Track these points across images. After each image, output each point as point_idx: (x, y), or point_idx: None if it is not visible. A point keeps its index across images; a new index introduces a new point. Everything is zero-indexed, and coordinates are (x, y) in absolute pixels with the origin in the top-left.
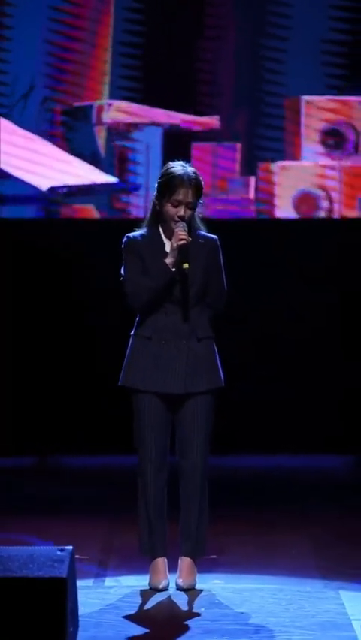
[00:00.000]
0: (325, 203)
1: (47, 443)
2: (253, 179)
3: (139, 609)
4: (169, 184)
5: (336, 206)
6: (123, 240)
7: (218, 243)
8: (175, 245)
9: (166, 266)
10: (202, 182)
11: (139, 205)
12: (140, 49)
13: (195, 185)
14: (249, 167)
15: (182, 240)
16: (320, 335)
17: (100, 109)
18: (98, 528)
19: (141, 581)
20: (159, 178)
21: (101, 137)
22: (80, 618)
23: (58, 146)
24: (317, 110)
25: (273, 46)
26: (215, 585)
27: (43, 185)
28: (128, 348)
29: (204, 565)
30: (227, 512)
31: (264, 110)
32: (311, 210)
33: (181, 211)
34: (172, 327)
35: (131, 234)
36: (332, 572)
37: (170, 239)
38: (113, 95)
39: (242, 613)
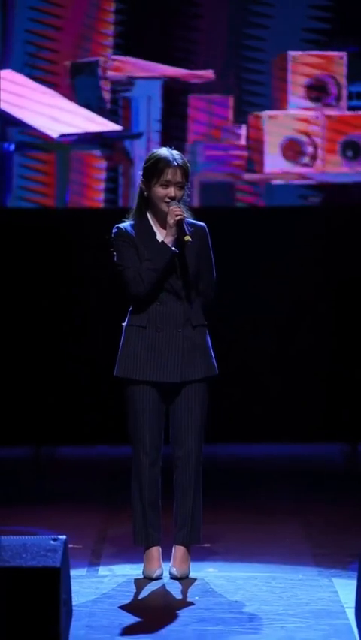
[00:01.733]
0: (309, 149)
1: (42, 433)
2: (244, 128)
3: (133, 598)
4: (157, 166)
5: (320, 152)
6: (113, 231)
7: (207, 230)
8: (172, 222)
9: (165, 245)
10: (188, 165)
11: (141, 150)
12: (142, 11)
13: (182, 165)
14: (240, 117)
15: (178, 215)
16: (314, 323)
17: (105, 64)
18: (92, 518)
19: (135, 570)
20: (145, 163)
21: (106, 89)
22: (73, 607)
23: (67, 98)
24: (301, 65)
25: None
26: (209, 573)
27: (55, 132)
28: (122, 338)
29: (198, 553)
30: (221, 501)
31: (254, 65)
32: (297, 156)
33: (172, 192)
34: (167, 316)
35: (120, 225)
36: (326, 559)
37: (162, 226)
38: (116, 51)
39: (236, 601)
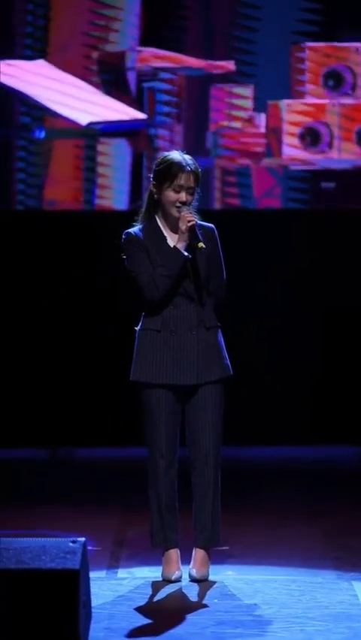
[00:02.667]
0: (326, 137)
1: (60, 435)
2: (263, 116)
3: (151, 600)
4: (170, 170)
5: (336, 140)
6: (123, 237)
7: (215, 231)
8: (184, 227)
9: (178, 250)
10: (200, 170)
11: (165, 137)
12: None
13: (194, 170)
14: (260, 106)
15: (190, 221)
16: (322, 326)
17: (132, 55)
18: (111, 520)
19: (154, 573)
20: (156, 166)
21: (131, 80)
22: (92, 610)
23: (95, 88)
24: (318, 55)
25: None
26: (227, 576)
27: (83, 120)
28: (136, 343)
29: (217, 556)
30: (239, 503)
31: (274, 55)
32: (315, 142)
33: (183, 197)
34: (181, 319)
35: (130, 230)
36: (345, 563)
37: (171, 229)
38: (142, 43)
39: (255, 604)
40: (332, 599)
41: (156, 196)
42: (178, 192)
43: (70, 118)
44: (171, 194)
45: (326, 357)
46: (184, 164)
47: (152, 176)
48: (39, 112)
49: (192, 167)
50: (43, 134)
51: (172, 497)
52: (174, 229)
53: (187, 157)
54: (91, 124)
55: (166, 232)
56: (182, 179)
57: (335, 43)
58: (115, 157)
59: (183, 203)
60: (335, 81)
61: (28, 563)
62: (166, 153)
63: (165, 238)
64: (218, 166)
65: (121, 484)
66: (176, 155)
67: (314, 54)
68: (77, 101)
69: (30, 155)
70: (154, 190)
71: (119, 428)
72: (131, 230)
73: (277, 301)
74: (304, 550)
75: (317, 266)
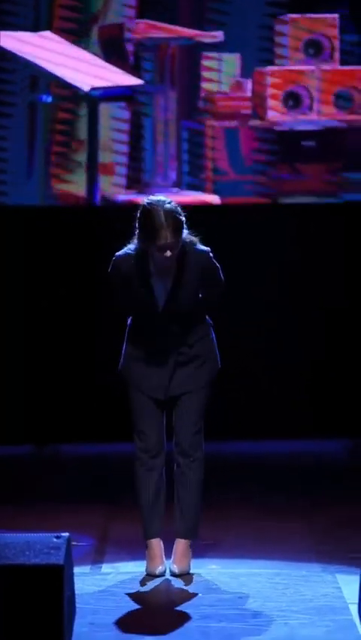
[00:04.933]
0: (307, 100)
1: (44, 432)
2: (249, 82)
3: (136, 595)
4: (150, 231)
5: (316, 103)
6: (112, 260)
7: (210, 254)
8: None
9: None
10: (182, 217)
11: (159, 102)
12: None
13: (174, 226)
14: (246, 73)
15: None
16: (313, 319)
17: (129, 26)
18: (96, 515)
19: (138, 567)
20: (139, 216)
21: (129, 49)
22: (77, 605)
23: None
24: (298, 26)
25: None
26: (212, 570)
27: (85, 85)
28: (126, 333)
29: (201, 550)
30: (223, 497)
31: (258, 27)
32: (296, 105)
33: (168, 253)
34: (159, 339)
35: (119, 253)
36: (329, 556)
37: (155, 264)
38: (139, 16)
39: (239, 598)
40: (316, 593)
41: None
42: (162, 250)
43: (73, 83)
44: (155, 253)
45: (316, 351)
46: (163, 222)
47: (137, 224)
48: (43, 78)
49: (171, 223)
50: (50, 99)
51: (158, 489)
52: (158, 267)
53: (168, 207)
54: (93, 89)
55: (152, 266)
56: (161, 240)
57: (314, 15)
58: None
59: (168, 259)
60: (314, 49)
61: (12, 559)
62: (149, 201)
63: (150, 274)
64: (208, 127)
65: (106, 481)
66: (156, 209)
67: (295, 25)
68: (80, 66)
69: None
70: (139, 237)
71: (104, 424)
72: (120, 253)
73: (271, 296)
74: (289, 544)
75: (309, 261)
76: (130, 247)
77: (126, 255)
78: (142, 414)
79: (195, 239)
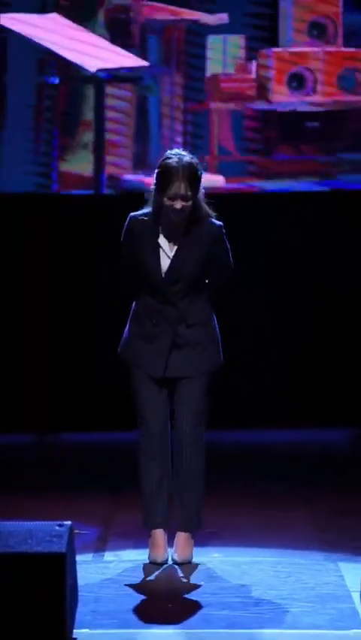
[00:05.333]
0: (311, 82)
1: (46, 420)
2: (254, 63)
3: (139, 583)
4: (165, 178)
5: (319, 85)
6: (127, 219)
7: (223, 229)
8: None
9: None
10: (199, 171)
11: (164, 83)
12: None
13: (188, 176)
14: (251, 54)
15: None
16: (316, 307)
17: (135, 8)
18: (98, 503)
19: (141, 555)
20: (157, 167)
21: (135, 32)
22: (79, 593)
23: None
24: (304, 7)
25: None
26: (214, 558)
27: (92, 67)
28: (129, 317)
29: (203, 538)
30: (226, 486)
31: (263, 9)
32: (300, 87)
33: (177, 204)
34: (162, 314)
35: (134, 213)
36: (331, 544)
37: (164, 223)
38: None
39: (242, 586)
40: (318, 581)
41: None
42: (173, 200)
43: (80, 64)
44: (166, 201)
45: (316, 340)
46: (179, 170)
47: (154, 175)
48: (51, 59)
49: (187, 174)
50: (57, 81)
51: (161, 477)
52: (168, 228)
53: (186, 159)
54: (99, 70)
55: (161, 229)
56: (174, 188)
57: None
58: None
59: (179, 211)
60: (318, 31)
61: (15, 547)
62: (168, 154)
63: (158, 235)
64: (213, 108)
65: (108, 469)
66: (174, 159)
67: (299, 7)
68: (87, 48)
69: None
70: (155, 192)
71: (106, 412)
72: (135, 213)
73: (270, 283)
74: (291, 532)
75: (306, 248)
76: (146, 208)
77: (141, 214)
78: (144, 401)
79: (211, 212)
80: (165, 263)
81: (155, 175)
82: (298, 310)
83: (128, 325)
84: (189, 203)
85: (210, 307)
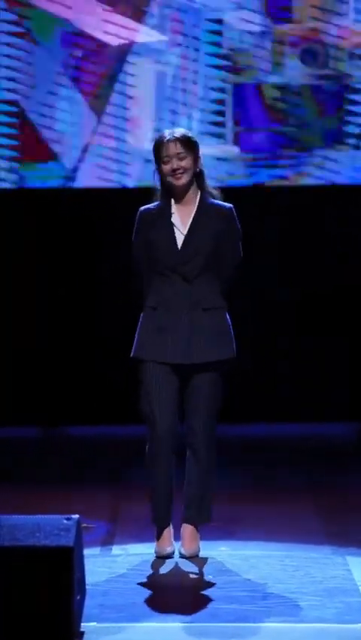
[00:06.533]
0: (322, 57)
1: (53, 413)
2: (268, 38)
3: (146, 577)
4: (156, 145)
5: (331, 60)
6: (138, 212)
7: (233, 211)
8: None
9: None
10: (193, 139)
11: (181, 57)
12: None
13: (179, 138)
14: (267, 31)
15: None
16: (322, 302)
17: None
18: (106, 497)
19: (148, 549)
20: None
21: (153, 5)
22: (87, 586)
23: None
24: None
25: None
26: (222, 552)
27: (113, 40)
28: (140, 318)
29: (211, 532)
30: (234, 480)
31: None
32: (316, 62)
33: (174, 164)
34: (175, 298)
35: (144, 207)
36: (339, 538)
37: (176, 202)
38: None
39: (249, 580)
40: (326, 574)
41: (160, 175)
42: (168, 162)
43: (101, 39)
44: (163, 167)
45: (325, 333)
46: (167, 134)
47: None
48: (74, 34)
49: (176, 135)
50: (80, 54)
51: (169, 473)
52: (180, 201)
53: (178, 129)
54: (118, 45)
55: (174, 208)
56: (166, 150)
57: None
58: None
59: (176, 170)
60: (332, 5)
61: (23, 540)
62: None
63: (170, 215)
64: (229, 81)
65: (115, 462)
66: (165, 131)
67: None
68: (107, 25)
69: None
70: (157, 169)
71: (112, 406)
72: (145, 207)
73: (271, 275)
74: (299, 526)
75: (306, 242)
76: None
77: (150, 205)
78: (153, 397)
79: (217, 193)
80: (179, 239)
81: (152, 152)
82: (302, 303)
83: (139, 325)
84: (185, 162)
85: (221, 295)
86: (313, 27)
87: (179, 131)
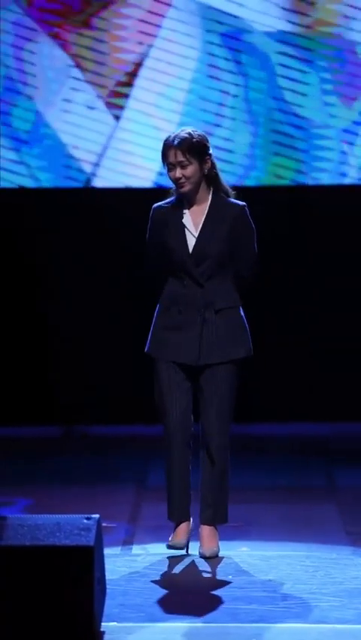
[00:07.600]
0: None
1: (73, 413)
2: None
3: (166, 576)
4: (162, 153)
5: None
6: (151, 209)
7: (246, 209)
8: None
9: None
10: (197, 141)
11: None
12: None
13: (181, 143)
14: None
15: None
16: (342, 300)
17: None
18: (126, 497)
19: (168, 549)
20: None
21: None
22: (107, 586)
23: None
24: None
25: None
26: (242, 552)
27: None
28: (155, 314)
29: (231, 532)
30: (253, 480)
31: None
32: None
33: (176, 173)
34: (189, 299)
35: (157, 204)
36: (360, 538)
37: (187, 202)
38: None
39: (269, 580)
40: (346, 575)
41: None
42: (172, 170)
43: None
44: (168, 173)
45: (339, 334)
46: (170, 140)
47: None
48: None
49: (179, 142)
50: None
51: (185, 470)
52: (191, 202)
53: (184, 132)
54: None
55: (186, 207)
56: (168, 157)
57: None
58: None
59: (178, 179)
60: None
61: (43, 540)
62: None
63: (182, 215)
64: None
65: (135, 461)
66: (171, 134)
67: None
68: None
69: None
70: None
71: (134, 405)
72: (159, 203)
73: (280, 276)
74: (319, 526)
75: (308, 241)
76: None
77: (163, 202)
78: (167, 396)
79: (230, 190)
80: (191, 242)
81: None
82: (309, 304)
83: (153, 322)
84: (188, 171)
85: (237, 295)
86: None
87: (181, 136)
